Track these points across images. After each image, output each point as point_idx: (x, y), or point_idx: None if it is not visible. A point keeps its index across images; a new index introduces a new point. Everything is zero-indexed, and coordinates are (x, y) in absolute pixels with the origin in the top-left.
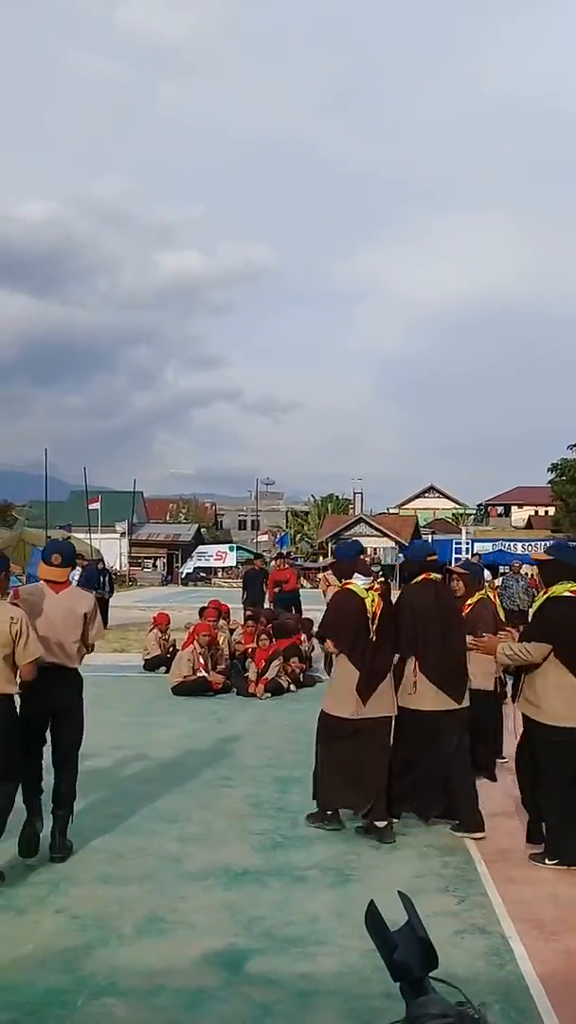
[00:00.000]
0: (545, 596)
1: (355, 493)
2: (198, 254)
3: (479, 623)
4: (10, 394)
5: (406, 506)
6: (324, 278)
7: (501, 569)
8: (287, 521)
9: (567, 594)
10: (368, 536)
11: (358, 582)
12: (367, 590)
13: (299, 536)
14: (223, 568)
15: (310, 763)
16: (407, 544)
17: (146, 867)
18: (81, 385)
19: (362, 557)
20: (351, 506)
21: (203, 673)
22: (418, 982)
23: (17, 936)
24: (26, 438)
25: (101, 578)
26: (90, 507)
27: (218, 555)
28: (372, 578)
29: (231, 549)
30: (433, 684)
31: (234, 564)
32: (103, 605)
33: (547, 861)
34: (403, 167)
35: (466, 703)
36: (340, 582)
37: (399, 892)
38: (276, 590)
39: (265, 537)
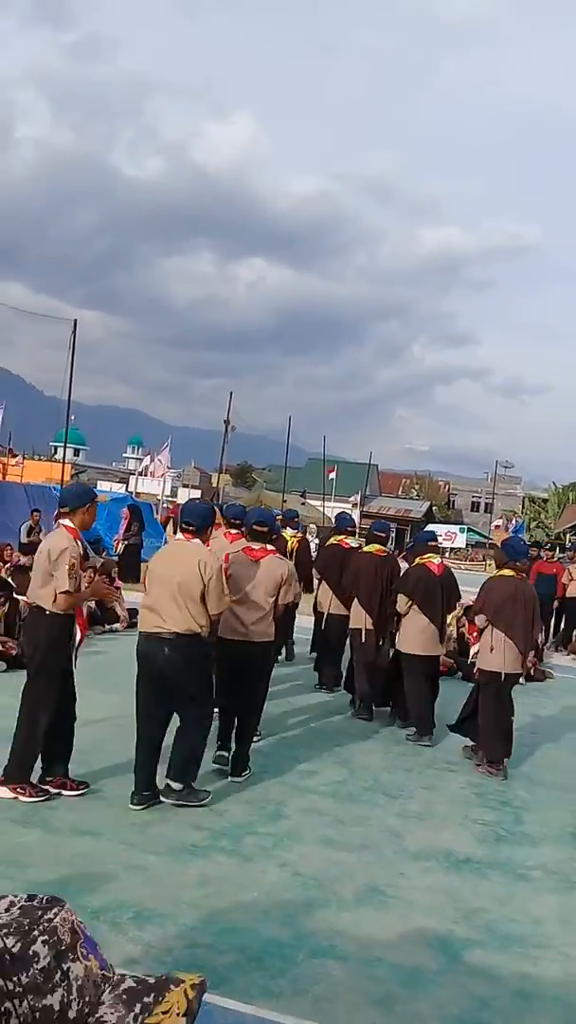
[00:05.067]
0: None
1: None
2: (461, 230)
3: (491, 596)
4: (262, 362)
5: None
6: None
7: None
8: (523, 507)
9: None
10: None
11: (288, 531)
12: (291, 538)
13: (535, 524)
14: (451, 549)
15: (538, 757)
16: None
17: (367, 837)
18: (328, 357)
19: (295, 520)
20: None
21: None
22: None
23: (243, 882)
24: (271, 405)
25: None
26: (328, 476)
27: (448, 535)
28: (297, 530)
29: (461, 530)
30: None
31: (463, 546)
32: None
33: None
34: None
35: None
36: (284, 530)
37: None
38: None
39: (499, 522)
